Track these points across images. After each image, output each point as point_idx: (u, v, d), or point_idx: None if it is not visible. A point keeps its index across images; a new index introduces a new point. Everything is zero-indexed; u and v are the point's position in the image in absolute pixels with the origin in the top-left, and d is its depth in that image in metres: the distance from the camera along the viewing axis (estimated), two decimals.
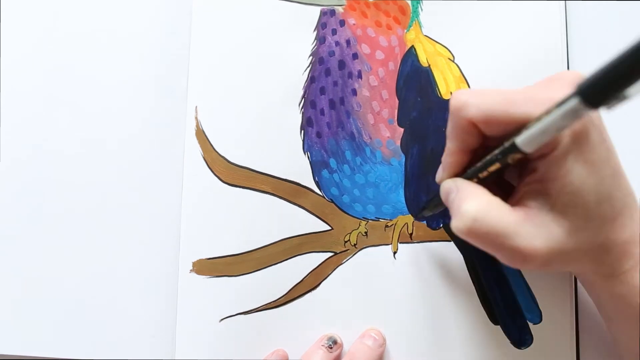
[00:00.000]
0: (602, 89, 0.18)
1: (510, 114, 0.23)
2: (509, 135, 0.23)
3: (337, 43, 0.34)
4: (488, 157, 0.24)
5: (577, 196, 0.23)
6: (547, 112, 0.21)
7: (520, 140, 0.22)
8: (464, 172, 0.26)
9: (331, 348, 0.32)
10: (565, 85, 0.23)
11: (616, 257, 0.24)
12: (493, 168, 0.24)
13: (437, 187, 0.28)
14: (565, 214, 0.23)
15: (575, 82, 0.19)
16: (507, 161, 0.23)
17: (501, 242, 0.23)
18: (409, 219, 0.33)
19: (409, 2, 0.34)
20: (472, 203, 0.23)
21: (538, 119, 0.21)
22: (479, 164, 0.25)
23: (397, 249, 0.33)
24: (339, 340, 0.32)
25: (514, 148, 0.23)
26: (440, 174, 0.28)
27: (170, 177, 0.34)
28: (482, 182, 0.25)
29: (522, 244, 0.22)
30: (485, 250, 0.24)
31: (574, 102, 0.19)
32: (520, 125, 0.23)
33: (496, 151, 0.24)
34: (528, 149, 0.22)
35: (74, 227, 0.34)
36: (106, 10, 0.36)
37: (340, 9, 0.34)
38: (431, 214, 0.31)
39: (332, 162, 0.34)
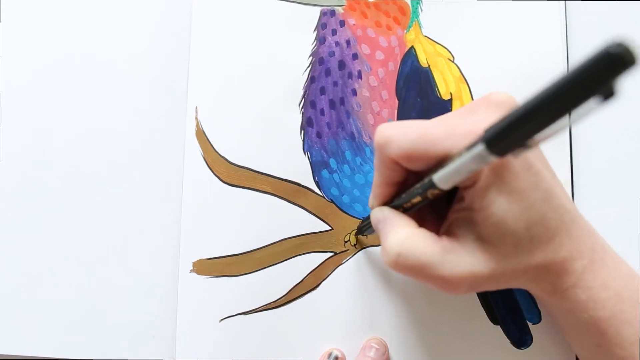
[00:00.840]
0: (504, 139, 0.18)
1: (430, 152, 0.23)
2: (431, 170, 0.23)
3: (337, 43, 0.34)
4: (411, 190, 0.24)
5: (501, 226, 0.22)
6: (459, 154, 0.21)
7: (437, 177, 0.22)
8: (392, 200, 0.26)
9: None
10: (490, 110, 0.23)
11: (557, 276, 0.24)
12: (415, 201, 0.24)
13: None
14: (491, 242, 0.23)
15: (503, 105, 0.18)
16: (427, 196, 0.23)
17: (427, 273, 0.23)
18: None
19: (409, 3, 0.34)
20: (395, 237, 0.24)
21: (452, 159, 0.21)
22: (403, 196, 0.25)
23: None
24: (340, 355, 0.32)
25: (431, 184, 0.22)
26: (371, 200, 0.28)
27: (170, 177, 0.34)
28: (414, 208, 0.25)
29: (445, 273, 0.23)
30: (415, 280, 0.24)
31: (480, 148, 0.19)
32: (440, 162, 0.22)
33: (417, 185, 0.24)
34: (445, 186, 0.22)
35: (74, 227, 0.34)
36: (106, 10, 0.36)
37: (340, 10, 0.34)
38: (368, 234, 0.32)
39: (332, 162, 0.34)
